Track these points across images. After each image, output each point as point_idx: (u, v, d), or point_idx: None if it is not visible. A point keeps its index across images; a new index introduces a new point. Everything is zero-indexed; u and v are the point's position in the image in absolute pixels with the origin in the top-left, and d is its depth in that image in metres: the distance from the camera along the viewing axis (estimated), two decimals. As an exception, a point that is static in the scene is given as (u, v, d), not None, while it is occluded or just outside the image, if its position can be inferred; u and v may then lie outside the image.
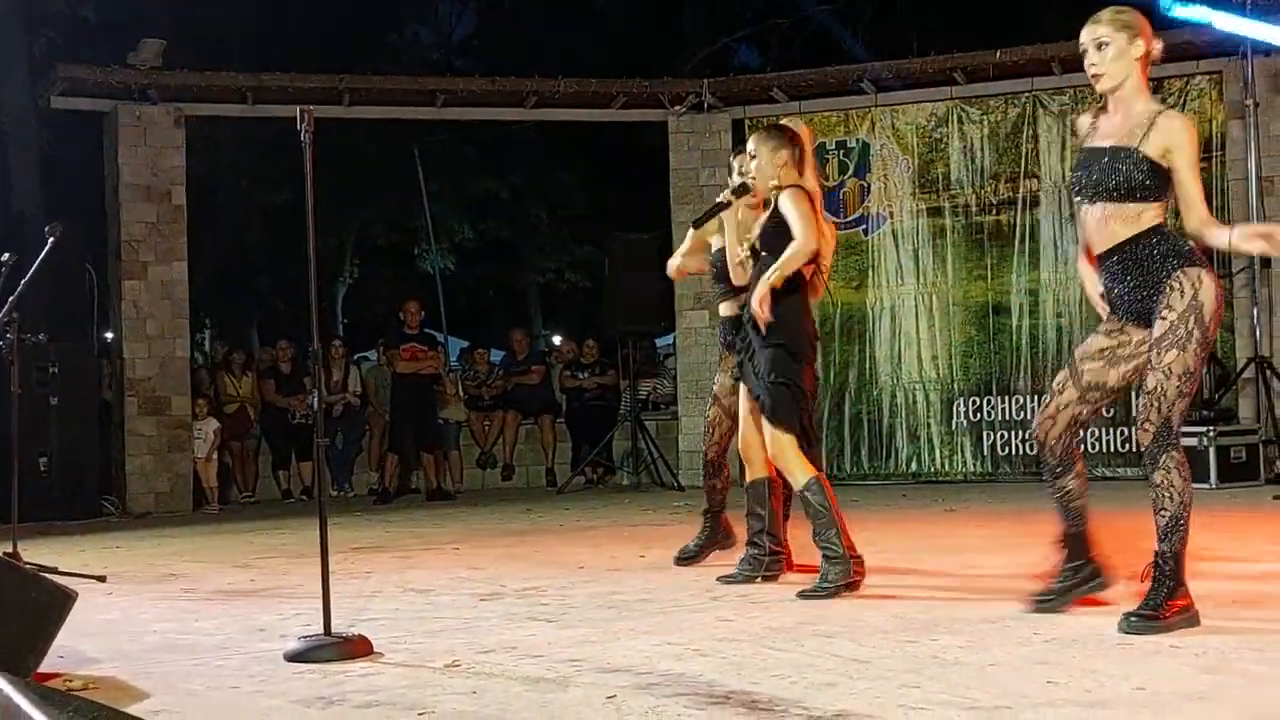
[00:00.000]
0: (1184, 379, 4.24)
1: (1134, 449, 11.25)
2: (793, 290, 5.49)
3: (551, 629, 4.76)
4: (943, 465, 12.01)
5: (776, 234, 5.50)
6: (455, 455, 12.81)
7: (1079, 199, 4.50)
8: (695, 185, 12.71)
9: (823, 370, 12.25)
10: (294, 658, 4.29)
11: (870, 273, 12.33)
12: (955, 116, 12.16)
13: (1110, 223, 4.38)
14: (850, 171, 12.41)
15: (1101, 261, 4.47)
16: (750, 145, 5.70)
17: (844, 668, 3.86)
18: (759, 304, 5.37)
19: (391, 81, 12.83)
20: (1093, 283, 4.62)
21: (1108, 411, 11.42)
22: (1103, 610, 4.60)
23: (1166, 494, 4.24)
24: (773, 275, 5.38)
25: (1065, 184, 11.74)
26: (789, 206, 5.47)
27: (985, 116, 12.09)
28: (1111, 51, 4.38)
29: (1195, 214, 4.35)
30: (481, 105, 13.06)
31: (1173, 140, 4.31)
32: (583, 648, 4.35)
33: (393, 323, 12.71)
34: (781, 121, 5.94)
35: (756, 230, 5.67)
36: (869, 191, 12.35)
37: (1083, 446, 4.96)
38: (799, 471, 5.43)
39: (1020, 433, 11.80)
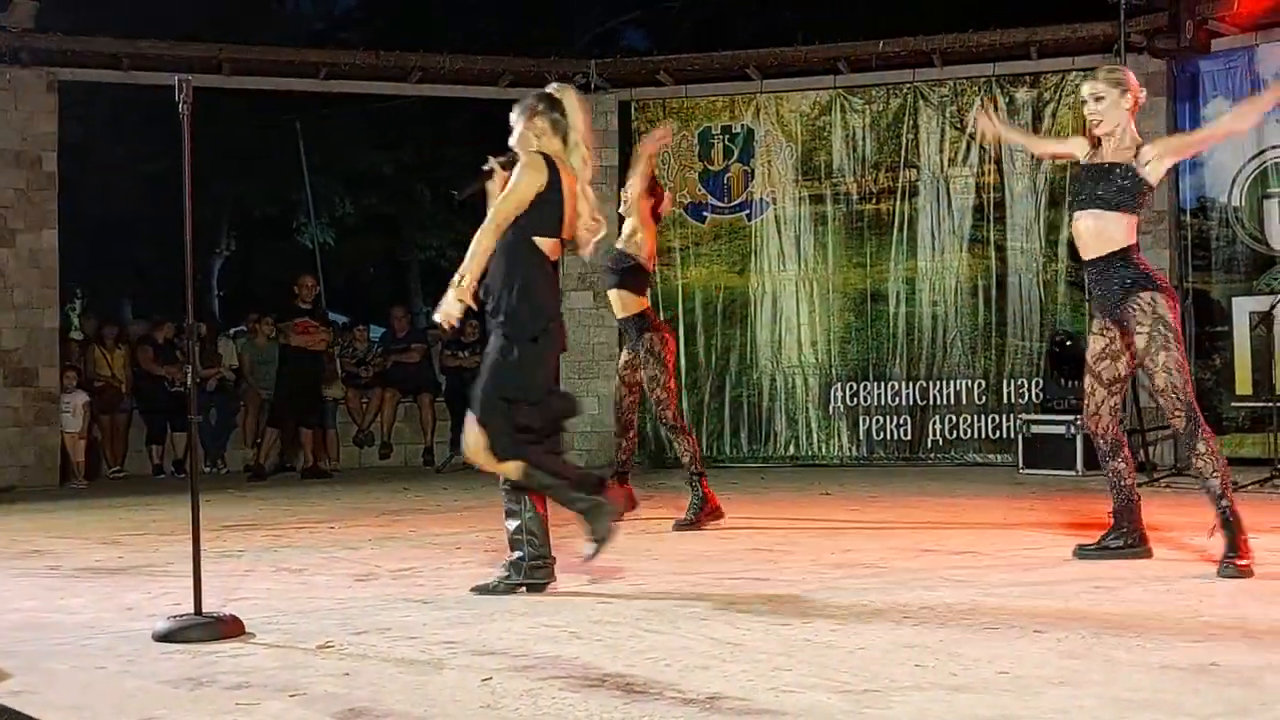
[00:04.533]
0: (1181, 370, 5.28)
1: (1004, 436, 11.50)
2: (518, 263, 4.99)
3: (426, 610, 4.73)
4: (820, 449, 12.17)
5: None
6: (333, 433, 12.67)
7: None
8: (580, 166, 12.67)
9: (704, 353, 12.37)
10: (162, 638, 4.22)
11: (752, 257, 12.43)
12: (838, 105, 12.29)
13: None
14: (734, 156, 12.49)
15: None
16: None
17: (718, 650, 3.89)
18: (445, 319, 4.95)
19: (272, 53, 12.58)
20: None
21: (979, 400, 11.69)
22: (972, 592, 4.72)
23: (1210, 464, 5.25)
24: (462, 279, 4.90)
25: (943, 175, 11.97)
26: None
27: (867, 106, 12.25)
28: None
29: None
30: (365, 79, 12.89)
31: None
32: (458, 629, 4.33)
33: (286, 296, 12.45)
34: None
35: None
36: (753, 177, 12.45)
37: (1126, 435, 5.84)
38: (503, 469, 5.15)
39: (895, 418, 11.99)
